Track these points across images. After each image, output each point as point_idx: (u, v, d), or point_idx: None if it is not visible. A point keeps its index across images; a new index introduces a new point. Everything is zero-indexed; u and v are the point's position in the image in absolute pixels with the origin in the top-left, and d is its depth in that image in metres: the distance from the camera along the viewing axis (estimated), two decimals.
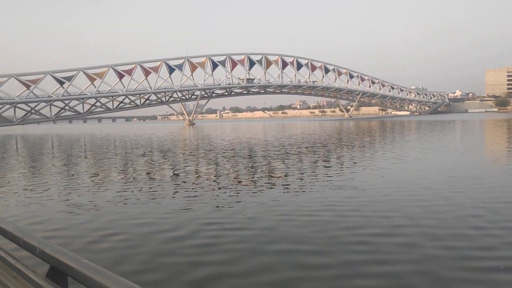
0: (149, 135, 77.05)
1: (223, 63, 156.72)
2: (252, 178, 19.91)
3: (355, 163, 24.50)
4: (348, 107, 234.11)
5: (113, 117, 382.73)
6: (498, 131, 56.86)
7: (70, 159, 33.14)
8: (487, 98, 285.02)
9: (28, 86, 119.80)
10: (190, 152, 36.07)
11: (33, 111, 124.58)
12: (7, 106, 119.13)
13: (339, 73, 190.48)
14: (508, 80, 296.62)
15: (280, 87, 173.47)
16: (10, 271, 3.58)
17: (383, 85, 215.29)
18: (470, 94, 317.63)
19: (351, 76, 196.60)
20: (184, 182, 19.11)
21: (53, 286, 3.00)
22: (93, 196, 15.92)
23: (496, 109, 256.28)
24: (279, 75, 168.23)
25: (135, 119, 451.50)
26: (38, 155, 39.51)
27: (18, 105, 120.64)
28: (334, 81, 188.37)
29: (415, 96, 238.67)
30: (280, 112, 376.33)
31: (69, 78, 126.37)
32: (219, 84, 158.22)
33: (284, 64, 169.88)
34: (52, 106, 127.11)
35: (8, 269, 3.66)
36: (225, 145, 44.09)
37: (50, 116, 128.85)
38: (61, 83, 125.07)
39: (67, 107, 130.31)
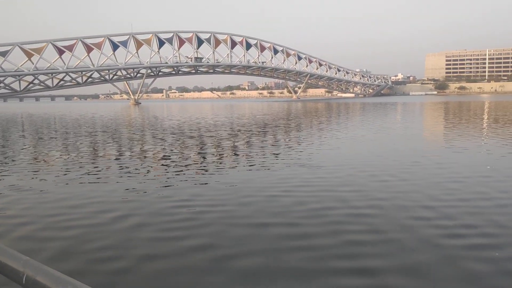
0: (93, 115, 73.66)
1: (170, 40, 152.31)
2: (212, 159, 19.27)
3: (300, 144, 24.46)
4: (296, 88, 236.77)
5: (52, 96, 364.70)
6: (437, 113, 59.43)
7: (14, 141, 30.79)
8: (427, 82, 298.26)
9: None
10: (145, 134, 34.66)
11: None
12: None
13: (288, 55, 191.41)
14: (447, 64, 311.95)
15: (229, 67, 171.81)
16: None
17: (330, 67, 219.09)
18: (411, 78, 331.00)
19: (300, 58, 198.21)
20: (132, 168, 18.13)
21: None
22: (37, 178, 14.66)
23: (435, 92, 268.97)
24: (228, 54, 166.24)
25: (75, 98, 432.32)
26: None
27: None
28: (283, 62, 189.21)
29: (360, 78, 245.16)
30: (228, 92, 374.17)
31: (4, 54, 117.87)
32: (166, 63, 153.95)
33: (233, 44, 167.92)
34: None
35: None
36: (178, 126, 42.87)
37: None
38: None
39: (1, 84, 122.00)
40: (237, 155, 20.58)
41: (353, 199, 11.32)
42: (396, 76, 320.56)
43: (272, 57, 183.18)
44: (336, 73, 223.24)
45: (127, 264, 7.22)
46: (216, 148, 23.55)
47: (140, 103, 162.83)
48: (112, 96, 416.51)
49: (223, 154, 20.98)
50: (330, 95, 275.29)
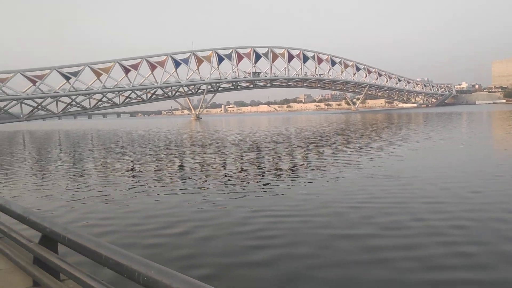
0: (158, 130, 76.60)
1: (229, 56, 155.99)
2: (284, 169, 19.42)
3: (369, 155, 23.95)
4: (354, 99, 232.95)
5: (118, 113, 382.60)
6: (508, 122, 56.12)
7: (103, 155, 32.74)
8: (494, 90, 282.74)
9: (34, 82, 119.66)
10: (213, 147, 35.60)
11: (39, 107, 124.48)
12: (14, 102, 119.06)
13: (346, 66, 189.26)
14: None
15: (287, 81, 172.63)
16: (9, 240, 3.92)
17: (390, 77, 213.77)
18: (477, 86, 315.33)
19: (358, 69, 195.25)
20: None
21: (43, 249, 3.30)
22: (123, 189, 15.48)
23: (504, 101, 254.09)
24: (285, 68, 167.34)
25: (139, 114, 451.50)
26: (55, 151, 39.21)
27: (25, 101, 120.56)
28: (341, 74, 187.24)
29: (422, 88, 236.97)
30: (285, 105, 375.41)
31: (75, 74, 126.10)
32: (225, 78, 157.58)
33: (290, 57, 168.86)
34: (58, 102, 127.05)
35: (7, 239, 4.05)
36: (241, 139, 43.62)
37: (56, 112, 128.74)
38: (67, 78, 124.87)
39: (73, 103, 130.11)
40: (306, 166, 20.56)
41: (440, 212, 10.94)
42: (460, 84, 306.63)
43: (329, 69, 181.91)
44: (396, 83, 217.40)
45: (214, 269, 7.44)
46: (283, 161, 23.69)
47: (201, 118, 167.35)
48: (173, 111, 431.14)
49: (293, 166, 21.06)
50: (390, 105, 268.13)
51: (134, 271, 2.36)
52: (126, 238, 9.42)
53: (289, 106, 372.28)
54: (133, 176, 19.29)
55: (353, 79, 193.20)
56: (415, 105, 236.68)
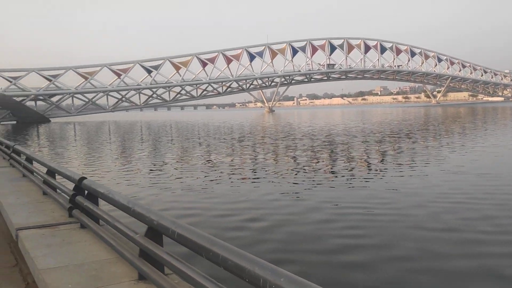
0: (235, 122, 78.07)
1: (303, 49, 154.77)
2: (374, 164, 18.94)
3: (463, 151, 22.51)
4: (435, 92, 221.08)
5: (195, 105, 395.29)
6: None
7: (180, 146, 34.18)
8: None
9: (119, 75, 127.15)
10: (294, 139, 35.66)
11: (123, 98, 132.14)
12: (101, 94, 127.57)
13: (426, 57, 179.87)
14: None
15: (362, 72, 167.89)
16: (115, 233, 4.03)
17: (475, 69, 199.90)
18: None
19: (439, 60, 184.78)
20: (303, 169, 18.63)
21: (149, 241, 3.30)
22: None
23: None
24: (361, 59, 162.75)
25: (214, 106, 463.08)
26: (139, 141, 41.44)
27: (111, 93, 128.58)
28: (421, 65, 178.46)
29: (511, 80, 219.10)
30: (359, 98, 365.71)
31: (156, 67, 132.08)
32: (299, 71, 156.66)
33: (367, 48, 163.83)
34: (140, 94, 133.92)
35: (114, 230, 4.15)
36: (316, 132, 43.19)
37: (139, 103, 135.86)
38: (149, 72, 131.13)
39: (154, 95, 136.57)
40: (389, 161, 19.83)
41: None
42: None
43: (408, 60, 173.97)
44: (482, 75, 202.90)
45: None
46: (364, 154, 23.06)
47: (274, 111, 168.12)
48: (247, 104, 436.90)
49: (376, 160, 20.43)
50: (474, 99, 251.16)
51: (258, 276, 2.19)
52: (208, 228, 9.61)
53: (364, 99, 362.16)
54: (210, 166, 19.78)
55: (434, 71, 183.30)
56: (502, 98, 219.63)
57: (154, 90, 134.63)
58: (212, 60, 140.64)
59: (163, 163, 21.95)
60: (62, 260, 3.84)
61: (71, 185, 6.25)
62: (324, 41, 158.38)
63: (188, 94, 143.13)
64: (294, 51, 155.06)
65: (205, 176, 16.88)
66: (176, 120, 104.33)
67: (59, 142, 41.83)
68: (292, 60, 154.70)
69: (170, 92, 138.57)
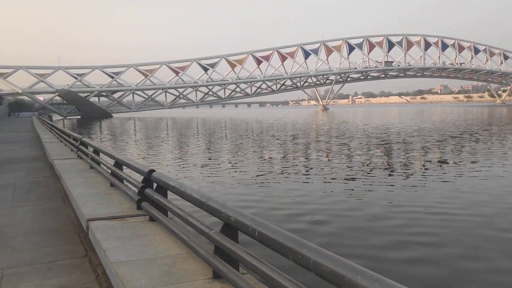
0: (289, 120, 77.71)
1: (360, 46, 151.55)
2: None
3: None
4: (500, 91, 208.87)
5: (248, 102, 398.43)
6: None
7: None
8: None
9: (177, 73, 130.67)
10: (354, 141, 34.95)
11: (181, 96, 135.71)
12: (160, 91, 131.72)
13: (491, 54, 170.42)
14: None
15: (422, 70, 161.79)
16: (185, 226, 3.91)
17: None
18: None
19: (506, 57, 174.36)
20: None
21: (225, 238, 3.16)
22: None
23: None
24: (421, 57, 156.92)
25: (268, 104, 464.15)
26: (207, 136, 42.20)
27: (169, 90, 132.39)
28: (485, 63, 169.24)
29: None
30: (418, 97, 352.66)
31: (212, 65, 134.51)
32: (355, 68, 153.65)
33: (427, 45, 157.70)
34: (197, 92, 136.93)
35: (184, 224, 4.04)
36: (374, 131, 41.99)
37: (195, 100, 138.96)
38: (205, 69, 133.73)
39: (210, 93, 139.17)
40: (451, 162, 18.77)
41: None
42: None
43: (472, 57, 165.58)
44: None
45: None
46: (424, 154, 22.03)
47: (328, 109, 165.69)
48: (300, 102, 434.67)
49: (437, 160, 19.43)
50: None
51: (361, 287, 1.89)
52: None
53: (422, 98, 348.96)
54: (266, 163, 19.60)
55: (500, 69, 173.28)
56: None
57: (210, 87, 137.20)
58: (267, 58, 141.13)
59: (217, 158, 22.15)
60: (133, 253, 3.75)
61: (137, 177, 6.27)
62: (382, 37, 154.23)
63: (242, 91, 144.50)
64: (351, 48, 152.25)
65: (260, 171, 16.73)
66: (230, 117, 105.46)
67: (120, 136, 43.45)
68: (348, 57, 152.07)
69: (225, 89, 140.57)
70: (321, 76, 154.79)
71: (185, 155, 24.32)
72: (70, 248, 5.23)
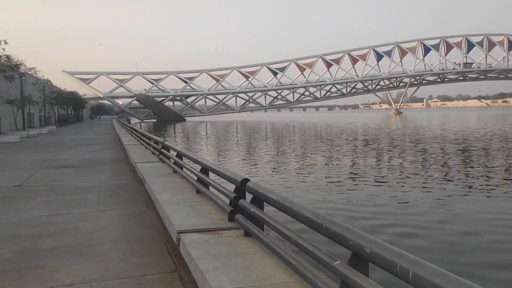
0: (362, 125, 75.50)
1: (436, 47, 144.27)
2: None
3: None
4: None
5: (317, 106, 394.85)
6: None
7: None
8: None
9: (247, 77, 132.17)
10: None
11: (250, 100, 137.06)
12: (230, 95, 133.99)
13: None
14: None
15: (505, 72, 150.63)
16: (311, 260, 3.24)
17: None
18: None
19: None
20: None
21: (355, 273, 2.59)
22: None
23: None
24: (504, 57, 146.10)
25: (337, 108, 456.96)
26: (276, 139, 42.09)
27: (239, 95, 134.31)
28: None
29: None
30: (500, 100, 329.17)
31: (282, 69, 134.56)
32: (431, 70, 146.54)
33: (511, 45, 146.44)
34: (266, 96, 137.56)
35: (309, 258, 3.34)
36: (461, 138, 39.37)
37: (264, 104, 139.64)
38: (275, 73, 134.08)
39: (279, 96, 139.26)
40: None
41: None
42: None
43: None
44: None
45: None
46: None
47: (402, 113, 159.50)
48: (371, 105, 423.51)
49: None
50: None
51: None
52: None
53: (505, 101, 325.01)
54: (340, 167, 18.72)
55: None
56: None
57: (279, 91, 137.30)
58: (337, 61, 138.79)
59: (288, 161, 21.77)
60: (235, 277, 3.25)
61: (225, 183, 5.87)
62: (461, 38, 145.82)
63: (311, 95, 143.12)
64: (426, 50, 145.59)
65: (336, 176, 15.92)
66: (299, 121, 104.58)
67: (193, 138, 44.41)
68: (423, 59, 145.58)
69: (294, 93, 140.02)
70: (394, 79, 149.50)
71: (255, 157, 24.06)
72: (158, 260, 4.91)
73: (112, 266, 4.71)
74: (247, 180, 4.70)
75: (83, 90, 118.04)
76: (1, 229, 6.35)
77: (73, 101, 78.06)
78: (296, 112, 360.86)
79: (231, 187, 5.45)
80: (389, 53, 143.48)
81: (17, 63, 36.12)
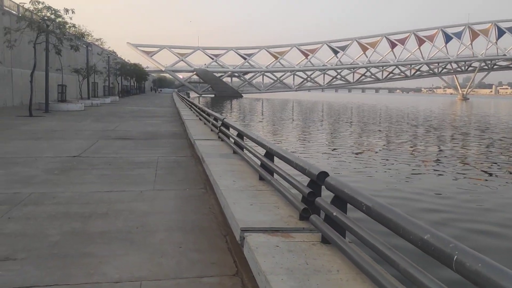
0: (430, 110, 71.88)
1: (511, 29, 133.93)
2: None
3: None
4: None
5: (376, 88, 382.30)
6: None
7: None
8: None
9: (306, 55, 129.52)
10: None
11: (308, 79, 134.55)
12: (288, 73, 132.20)
13: None
14: None
15: None
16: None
17: None
18: None
19: None
20: None
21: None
22: None
23: None
24: None
25: (398, 90, 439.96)
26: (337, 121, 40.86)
27: (297, 73, 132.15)
28: None
29: None
30: None
31: (343, 48, 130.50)
32: (504, 55, 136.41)
33: None
34: (325, 75, 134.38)
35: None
36: None
37: (323, 84, 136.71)
38: (335, 52, 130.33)
39: (338, 76, 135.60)
40: None
41: None
42: None
43: None
44: None
45: None
46: None
47: (468, 99, 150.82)
48: (434, 90, 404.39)
49: None
50: None
51: None
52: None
53: None
54: (415, 156, 17.42)
55: None
56: None
57: (339, 71, 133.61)
58: (402, 41, 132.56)
59: (340, 145, 20.79)
60: None
61: (290, 170, 5.14)
62: None
63: (373, 76, 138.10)
64: (500, 32, 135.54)
65: (415, 166, 14.75)
66: (357, 102, 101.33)
67: (249, 116, 44.01)
68: (496, 42, 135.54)
69: (355, 73, 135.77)
70: (463, 63, 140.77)
71: (316, 140, 23.11)
72: (217, 258, 4.27)
73: (165, 261, 4.14)
74: (325, 174, 3.91)
75: (146, 63, 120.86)
76: (54, 205, 6.01)
77: (136, 73, 79.86)
78: (355, 93, 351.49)
79: (298, 175, 4.72)
80: (459, 35, 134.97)
81: (85, 33, 37.00)
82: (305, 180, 4.51)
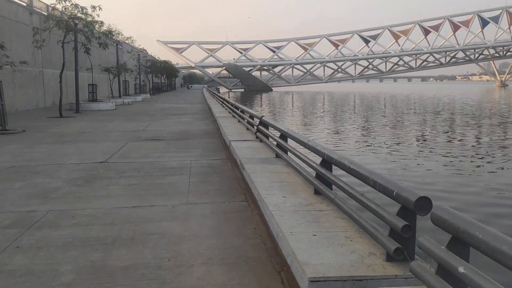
0: (469, 98, 68.85)
1: None
2: None
3: None
4: None
5: (409, 77, 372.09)
6: None
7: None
8: None
9: (336, 46, 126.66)
10: None
11: (339, 69, 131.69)
12: (318, 65, 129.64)
13: None
14: None
15: None
16: None
17: None
18: None
19: None
20: None
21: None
22: None
23: None
24: None
25: (431, 79, 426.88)
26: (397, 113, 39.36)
27: (327, 64, 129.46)
28: None
29: None
30: None
31: (374, 37, 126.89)
32: None
33: None
34: (356, 65, 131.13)
35: None
36: None
37: (354, 74, 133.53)
38: (367, 42, 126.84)
39: (370, 66, 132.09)
40: None
41: None
42: None
43: None
44: None
45: None
46: None
47: (507, 85, 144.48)
48: (469, 77, 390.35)
49: None
50: None
51: None
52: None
53: None
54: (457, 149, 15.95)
55: None
56: None
57: (371, 60, 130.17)
58: (436, 28, 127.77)
59: (374, 138, 19.69)
60: None
61: (362, 186, 4.03)
62: None
63: (406, 65, 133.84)
64: None
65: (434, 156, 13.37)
66: (390, 92, 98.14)
67: (278, 109, 42.95)
68: None
69: (387, 62, 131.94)
70: (501, 48, 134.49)
71: (349, 132, 21.84)
72: None
73: None
74: (427, 201, 2.77)
75: (175, 60, 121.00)
76: (72, 227, 5.11)
77: (166, 70, 79.72)
78: (387, 83, 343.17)
79: (372, 192, 3.62)
80: (496, 19, 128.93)
81: (115, 31, 36.56)
82: (383, 200, 3.40)
